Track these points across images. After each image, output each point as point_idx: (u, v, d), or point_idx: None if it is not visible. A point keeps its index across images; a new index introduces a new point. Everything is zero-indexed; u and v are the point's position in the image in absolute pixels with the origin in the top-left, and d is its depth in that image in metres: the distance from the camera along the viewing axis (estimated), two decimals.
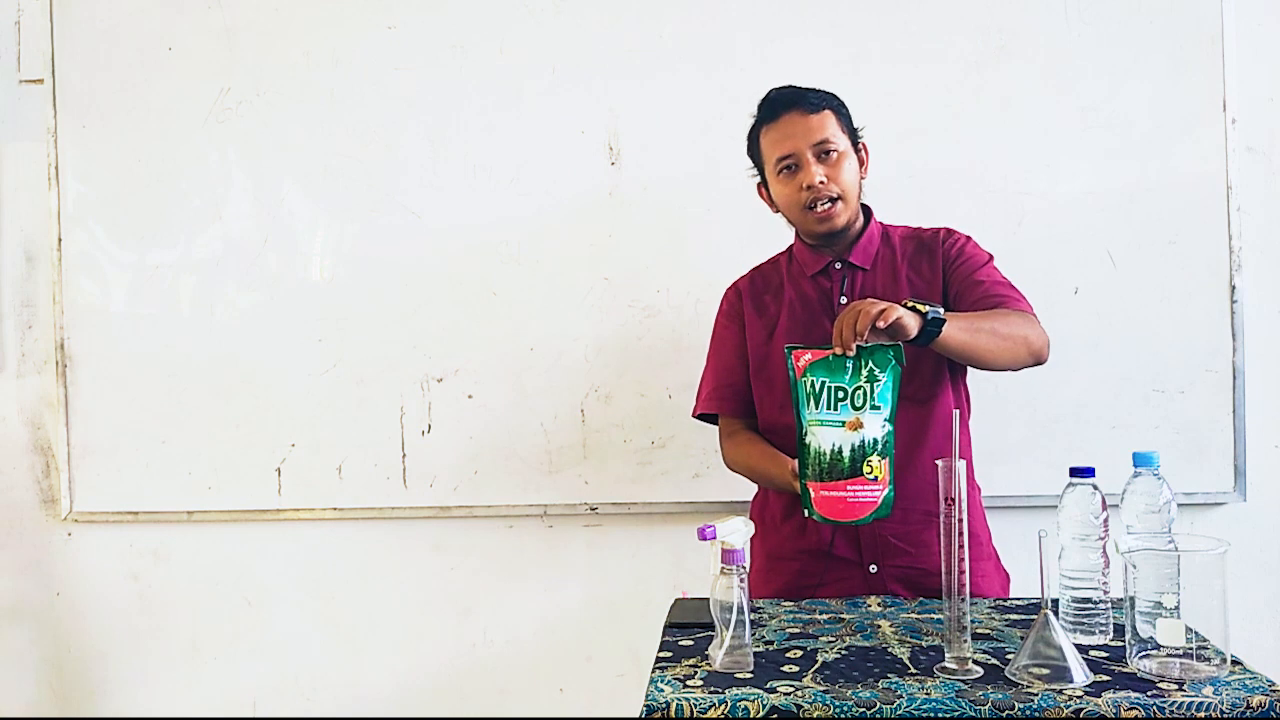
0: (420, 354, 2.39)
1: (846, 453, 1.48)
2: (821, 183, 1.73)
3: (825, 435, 1.49)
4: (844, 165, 1.74)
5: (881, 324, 1.44)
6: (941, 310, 1.53)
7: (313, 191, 2.40)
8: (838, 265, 1.82)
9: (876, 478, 1.48)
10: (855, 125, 1.80)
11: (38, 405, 2.49)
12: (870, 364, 1.48)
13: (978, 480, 1.86)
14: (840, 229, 1.77)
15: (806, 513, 1.52)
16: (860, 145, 1.80)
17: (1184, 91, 2.27)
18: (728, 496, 2.20)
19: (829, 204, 1.74)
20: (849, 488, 1.48)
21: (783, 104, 1.76)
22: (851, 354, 1.47)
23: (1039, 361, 1.71)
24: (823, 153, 1.73)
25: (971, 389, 1.87)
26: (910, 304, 1.51)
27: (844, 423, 1.48)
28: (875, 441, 1.48)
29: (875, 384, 1.48)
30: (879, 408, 1.48)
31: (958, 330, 1.56)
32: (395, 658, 2.45)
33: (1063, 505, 1.42)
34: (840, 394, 1.48)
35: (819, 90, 1.78)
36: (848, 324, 1.46)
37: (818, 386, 1.49)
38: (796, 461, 1.55)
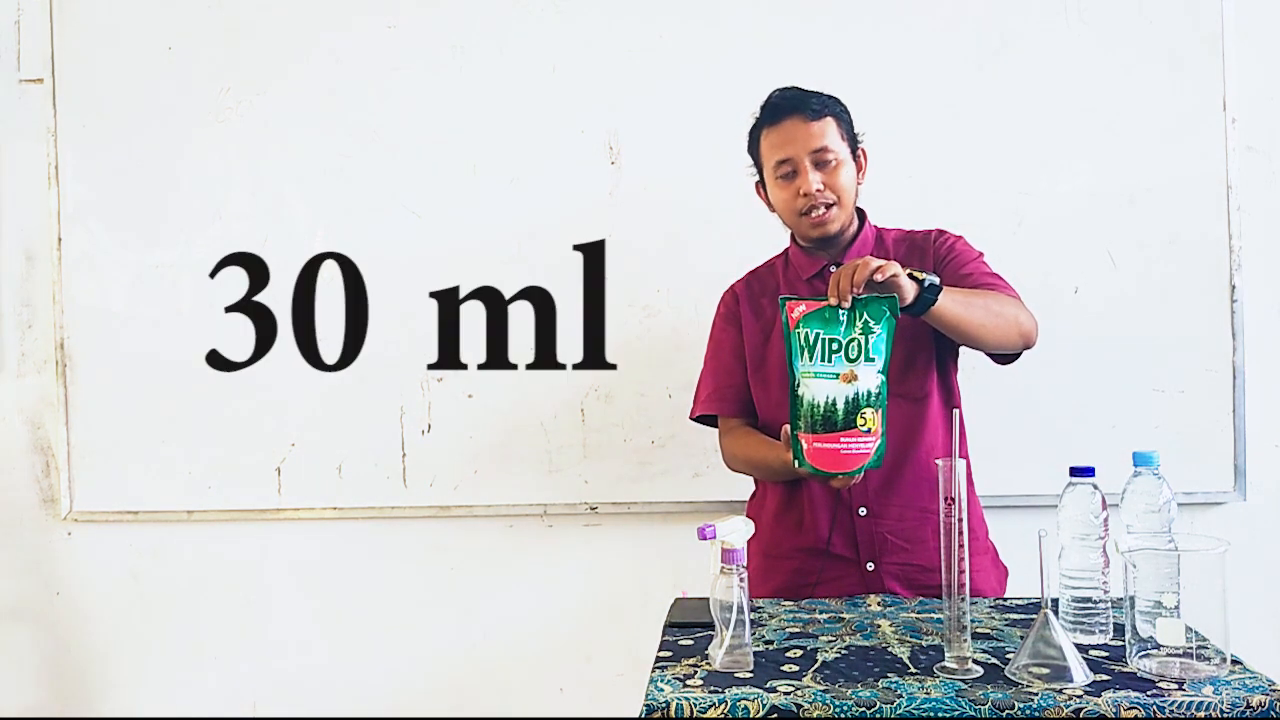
0: (420, 354, 2.38)
1: (840, 405, 1.47)
2: (818, 190, 1.74)
3: (819, 387, 1.48)
4: (841, 172, 1.75)
5: (879, 278, 1.45)
6: (938, 279, 1.54)
7: (313, 191, 2.40)
8: (833, 269, 1.82)
9: (869, 430, 1.48)
10: (856, 131, 1.80)
11: (38, 405, 2.49)
12: (865, 316, 1.47)
13: (974, 476, 1.85)
14: (834, 234, 1.79)
15: (797, 463, 1.52)
16: (859, 151, 1.81)
17: (1184, 91, 2.27)
18: (728, 496, 2.19)
19: (824, 210, 1.75)
20: (843, 440, 1.48)
21: (785, 108, 1.76)
22: (847, 305, 1.46)
23: (1028, 345, 1.72)
24: (821, 160, 1.74)
25: (972, 389, 1.87)
26: (909, 272, 1.52)
27: (838, 375, 1.47)
28: (869, 394, 1.47)
29: (870, 335, 1.47)
30: (873, 359, 1.47)
31: (952, 302, 1.57)
32: (395, 658, 2.45)
33: (1063, 505, 1.42)
34: (834, 346, 1.47)
35: (822, 95, 1.78)
36: (845, 276, 1.46)
37: (811, 338, 1.48)
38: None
